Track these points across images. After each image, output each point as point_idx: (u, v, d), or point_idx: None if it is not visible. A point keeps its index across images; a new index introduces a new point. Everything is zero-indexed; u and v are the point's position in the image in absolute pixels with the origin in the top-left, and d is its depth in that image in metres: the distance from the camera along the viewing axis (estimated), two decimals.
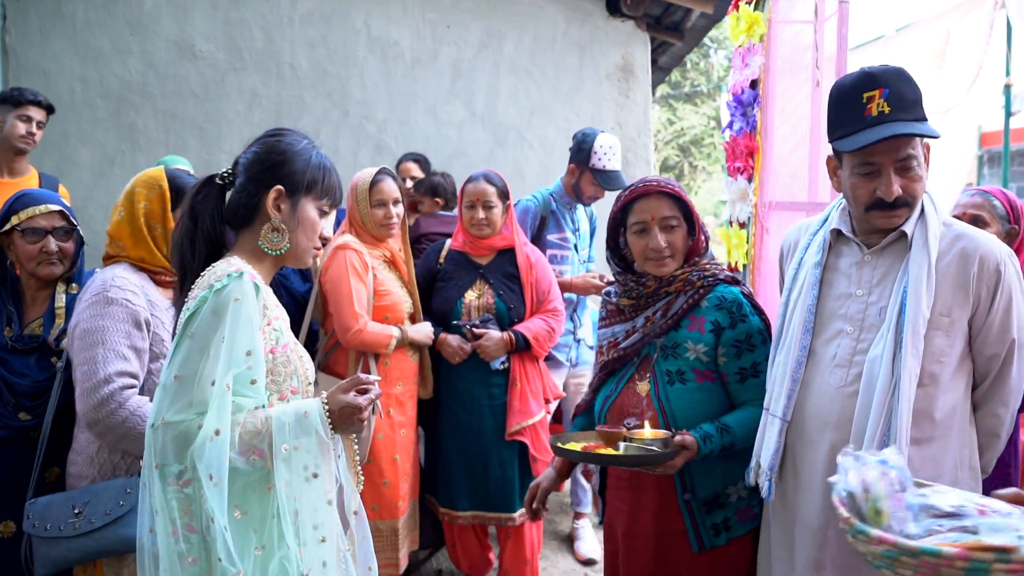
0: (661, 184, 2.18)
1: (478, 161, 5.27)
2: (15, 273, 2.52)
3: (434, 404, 3.43)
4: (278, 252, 1.76)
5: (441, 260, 3.46)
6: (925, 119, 1.75)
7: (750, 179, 3.32)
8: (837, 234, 1.94)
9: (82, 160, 4.95)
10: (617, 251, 2.29)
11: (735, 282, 2.22)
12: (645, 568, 2.18)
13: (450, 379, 3.38)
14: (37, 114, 3.74)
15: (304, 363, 1.82)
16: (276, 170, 1.75)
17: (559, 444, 2.12)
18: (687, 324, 2.16)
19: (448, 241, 3.53)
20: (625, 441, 2.03)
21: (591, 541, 4.04)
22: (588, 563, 3.95)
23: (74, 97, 4.90)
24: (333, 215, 3.07)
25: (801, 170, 3.28)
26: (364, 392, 1.73)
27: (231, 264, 1.68)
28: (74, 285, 2.53)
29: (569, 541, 4.15)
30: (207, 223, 1.76)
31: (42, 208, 2.44)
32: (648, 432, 2.04)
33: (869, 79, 1.78)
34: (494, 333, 3.26)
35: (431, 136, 5.41)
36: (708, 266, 2.20)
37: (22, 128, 3.71)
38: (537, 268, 3.42)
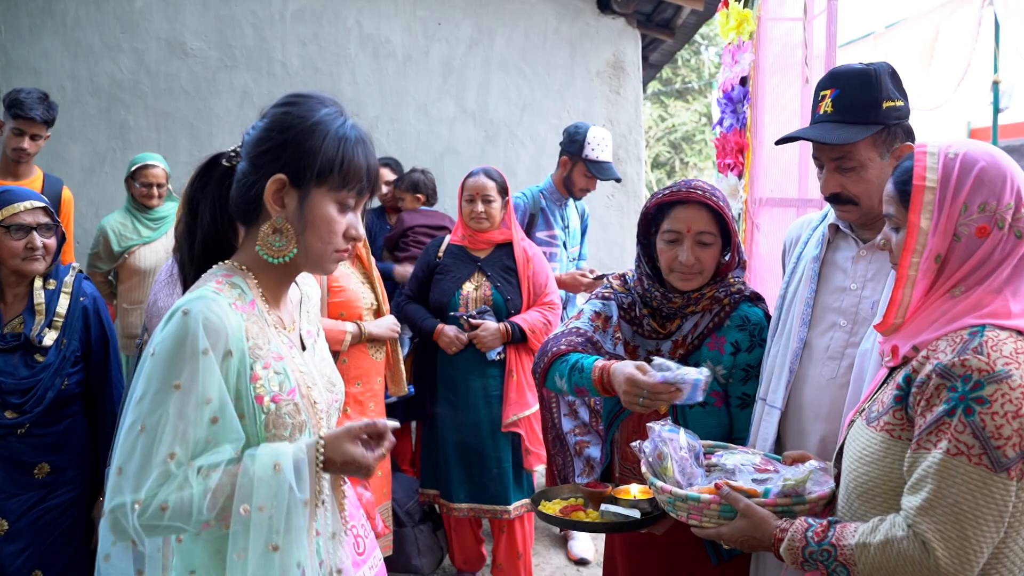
0: (704, 193, 1.99)
1: (469, 158, 5.28)
2: None
3: (430, 396, 3.45)
4: (282, 260, 1.37)
5: (440, 254, 3.49)
6: (871, 122, 1.79)
7: (740, 176, 3.34)
8: (835, 229, 1.98)
9: (73, 157, 4.94)
10: (648, 249, 2.13)
11: (758, 299, 2.14)
12: None
13: (446, 370, 3.40)
14: (33, 128, 3.68)
15: (319, 410, 1.45)
16: (279, 152, 1.35)
17: (541, 505, 1.99)
18: (707, 343, 2.07)
19: (447, 236, 3.57)
20: (608, 502, 1.94)
21: (584, 542, 4.05)
22: (580, 563, 3.95)
23: (65, 95, 4.89)
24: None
25: (791, 167, 3.30)
26: (378, 440, 1.39)
27: (205, 280, 1.38)
28: (52, 281, 2.52)
29: (563, 541, 4.16)
30: (206, 217, 1.43)
31: (26, 204, 2.43)
32: (634, 490, 1.95)
33: (829, 79, 1.87)
34: (490, 324, 3.29)
35: (422, 133, 5.41)
36: (733, 281, 2.10)
37: (15, 142, 3.67)
38: (534, 262, 3.46)
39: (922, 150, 1.41)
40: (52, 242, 2.48)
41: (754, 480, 1.61)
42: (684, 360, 2.07)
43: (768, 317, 2.11)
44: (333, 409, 1.54)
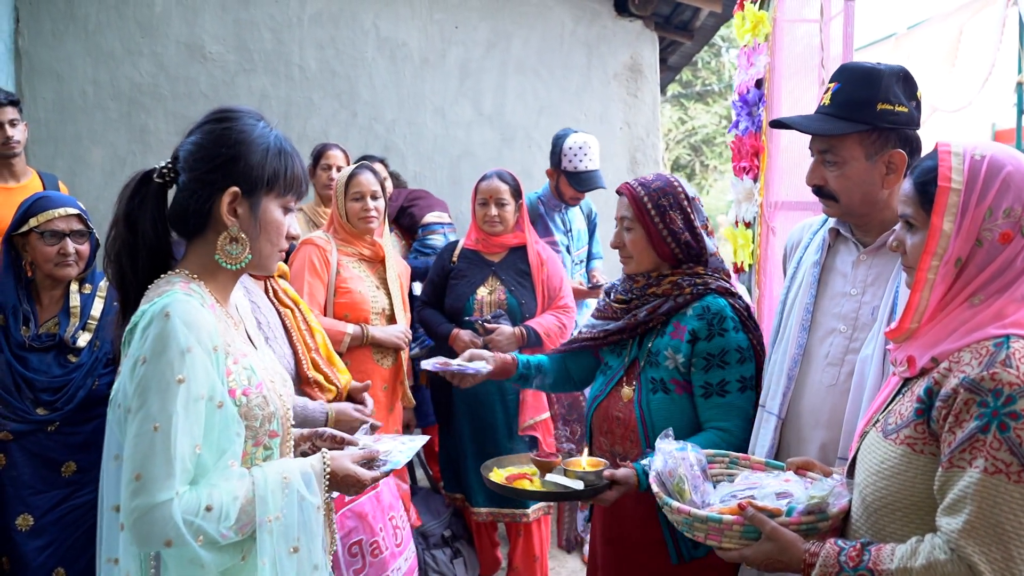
0: (630, 185, 2.23)
1: (486, 161, 5.28)
2: (28, 274, 2.58)
3: (448, 401, 3.44)
4: (238, 266, 1.49)
5: (454, 259, 3.49)
6: (860, 120, 1.76)
7: (755, 179, 3.30)
8: (836, 234, 1.95)
9: (94, 161, 4.99)
10: None
11: (728, 294, 2.16)
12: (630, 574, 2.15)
13: None
14: (7, 114, 3.46)
15: (285, 401, 1.56)
16: (229, 167, 1.45)
17: (485, 470, 2.08)
18: (670, 331, 2.12)
19: (461, 241, 3.56)
20: (556, 472, 1.99)
21: None
22: None
23: (86, 99, 4.94)
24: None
25: (806, 170, 3.26)
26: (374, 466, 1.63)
27: (167, 286, 1.43)
28: (87, 285, 2.60)
29: (579, 544, 4.14)
30: (148, 232, 1.48)
31: (60, 211, 2.51)
32: (585, 461, 2.00)
33: (838, 73, 1.85)
34: (506, 328, 3.28)
35: (439, 136, 5.42)
36: (703, 273, 2.16)
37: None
38: (548, 265, 3.45)
39: (946, 149, 1.37)
40: (85, 248, 2.57)
41: (777, 495, 1.57)
42: (641, 341, 2.19)
43: (735, 310, 2.12)
44: (289, 402, 1.62)
